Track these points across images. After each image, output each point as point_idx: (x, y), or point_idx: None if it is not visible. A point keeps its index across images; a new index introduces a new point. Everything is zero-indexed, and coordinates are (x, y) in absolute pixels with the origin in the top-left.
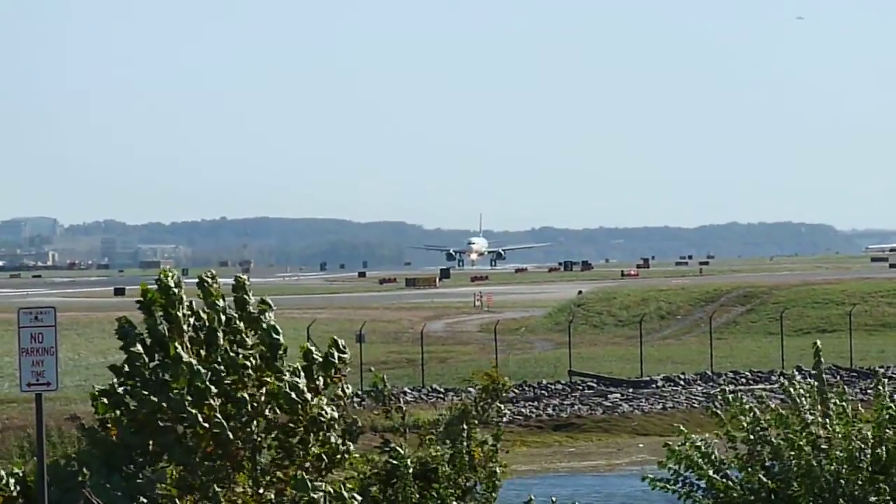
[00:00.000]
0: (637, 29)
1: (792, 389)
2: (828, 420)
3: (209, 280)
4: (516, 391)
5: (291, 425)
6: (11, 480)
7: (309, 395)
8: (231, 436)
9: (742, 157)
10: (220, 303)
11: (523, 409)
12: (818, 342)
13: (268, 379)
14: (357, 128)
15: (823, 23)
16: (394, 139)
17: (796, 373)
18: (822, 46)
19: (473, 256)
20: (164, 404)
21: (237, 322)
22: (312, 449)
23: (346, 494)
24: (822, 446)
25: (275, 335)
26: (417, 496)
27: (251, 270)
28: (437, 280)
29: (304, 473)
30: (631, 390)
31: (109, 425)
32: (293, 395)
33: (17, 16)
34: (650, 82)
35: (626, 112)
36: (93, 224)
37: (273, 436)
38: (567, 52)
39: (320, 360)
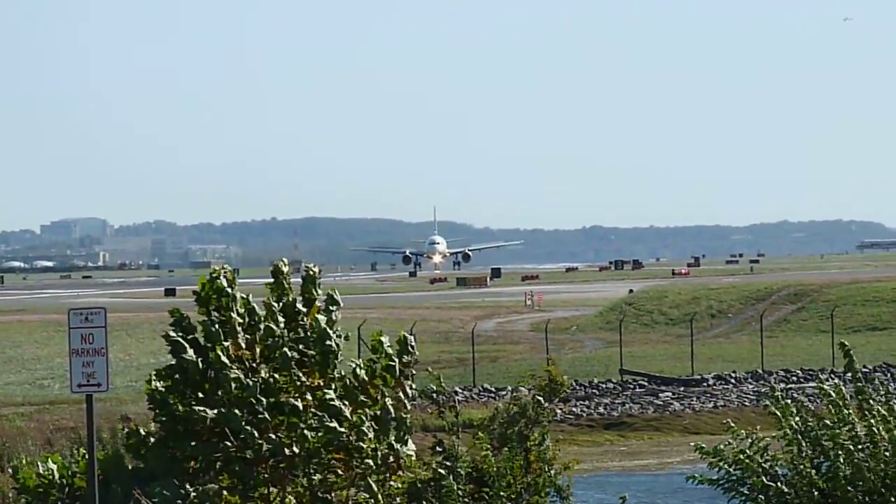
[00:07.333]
0: (686, 20)
1: (831, 391)
2: (871, 420)
3: (284, 270)
4: (567, 390)
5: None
6: (54, 490)
7: (347, 412)
8: (283, 447)
9: (793, 155)
10: (281, 301)
11: (574, 409)
12: (845, 342)
13: (320, 382)
14: (406, 128)
15: (871, 20)
16: (441, 139)
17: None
18: (870, 43)
19: (436, 258)
20: (215, 418)
21: (303, 318)
22: (356, 469)
23: None
24: (867, 445)
25: (327, 342)
26: (469, 500)
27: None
28: (488, 279)
29: None
30: (682, 389)
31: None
32: (333, 423)
33: (74, 19)
34: (708, 80)
35: (678, 110)
36: (143, 224)
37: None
38: (617, 52)
39: (388, 356)
